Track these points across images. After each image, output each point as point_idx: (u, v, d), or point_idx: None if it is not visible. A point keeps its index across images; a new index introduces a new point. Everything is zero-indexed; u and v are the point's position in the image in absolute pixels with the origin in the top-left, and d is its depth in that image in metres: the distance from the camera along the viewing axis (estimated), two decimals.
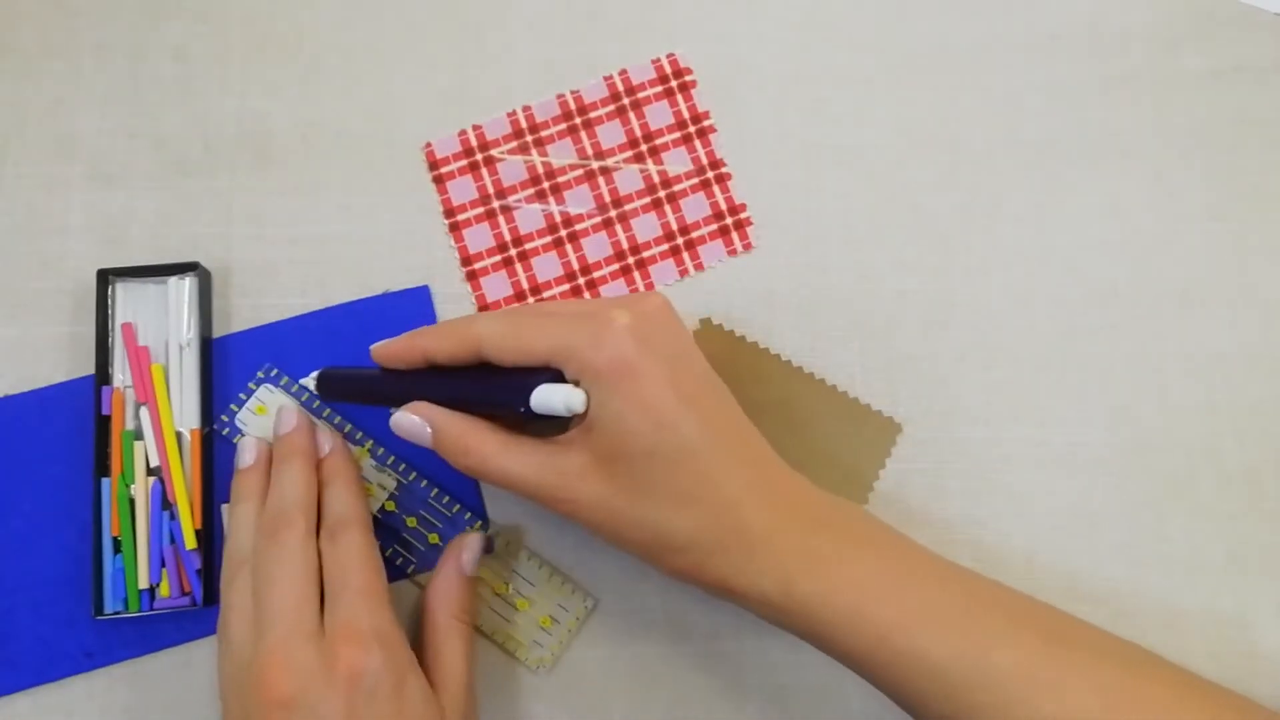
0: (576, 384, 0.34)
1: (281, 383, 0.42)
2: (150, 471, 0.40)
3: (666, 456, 0.33)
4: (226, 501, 0.40)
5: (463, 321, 0.37)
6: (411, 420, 0.37)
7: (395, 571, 0.41)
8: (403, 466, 0.41)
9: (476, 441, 0.36)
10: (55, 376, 0.42)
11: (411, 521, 0.41)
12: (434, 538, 0.41)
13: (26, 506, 0.40)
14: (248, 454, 0.39)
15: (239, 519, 0.38)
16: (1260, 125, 0.47)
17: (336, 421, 0.41)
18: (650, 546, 0.35)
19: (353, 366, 0.41)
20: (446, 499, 0.41)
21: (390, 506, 0.41)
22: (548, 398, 0.34)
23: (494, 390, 0.36)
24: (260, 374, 0.42)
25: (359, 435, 0.42)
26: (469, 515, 0.41)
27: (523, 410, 0.34)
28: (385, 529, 0.41)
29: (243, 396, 0.42)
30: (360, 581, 0.35)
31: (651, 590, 0.42)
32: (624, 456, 0.34)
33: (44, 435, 0.41)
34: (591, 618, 0.41)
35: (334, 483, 0.39)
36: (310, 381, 0.41)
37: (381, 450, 0.42)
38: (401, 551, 0.41)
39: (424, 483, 0.41)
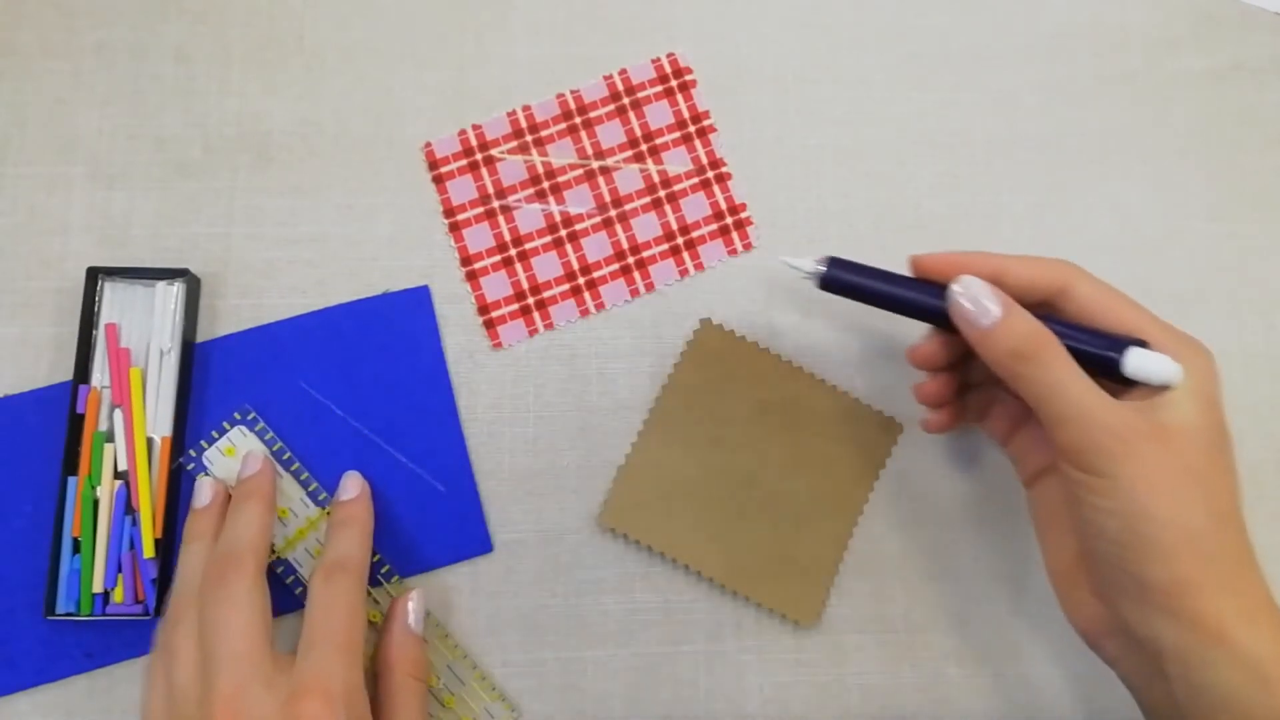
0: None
1: (257, 428, 0.41)
2: (118, 475, 0.40)
3: (1218, 473, 0.33)
4: None
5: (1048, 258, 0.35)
6: (980, 289, 0.34)
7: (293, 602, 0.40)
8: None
9: (1048, 342, 0.33)
10: (55, 376, 0.42)
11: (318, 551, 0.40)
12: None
13: (27, 507, 0.40)
14: (204, 495, 0.39)
15: (189, 558, 0.37)
16: (1260, 125, 0.47)
17: (294, 469, 0.41)
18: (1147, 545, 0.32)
19: (868, 266, 0.36)
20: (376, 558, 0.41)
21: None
22: (1146, 361, 0.32)
23: (1078, 328, 0.34)
24: (237, 415, 0.41)
25: (295, 466, 0.41)
26: (386, 569, 0.41)
27: (1111, 355, 0.32)
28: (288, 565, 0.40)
29: (215, 435, 0.41)
30: (343, 636, 0.35)
31: (652, 590, 0.42)
32: (1184, 439, 0.32)
33: (44, 435, 0.41)
34: (592, 617, 0.41)
35: (350, 526, 0.38)
36: (804, 262, 0.35)
37: (314, 485, 0.41)
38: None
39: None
